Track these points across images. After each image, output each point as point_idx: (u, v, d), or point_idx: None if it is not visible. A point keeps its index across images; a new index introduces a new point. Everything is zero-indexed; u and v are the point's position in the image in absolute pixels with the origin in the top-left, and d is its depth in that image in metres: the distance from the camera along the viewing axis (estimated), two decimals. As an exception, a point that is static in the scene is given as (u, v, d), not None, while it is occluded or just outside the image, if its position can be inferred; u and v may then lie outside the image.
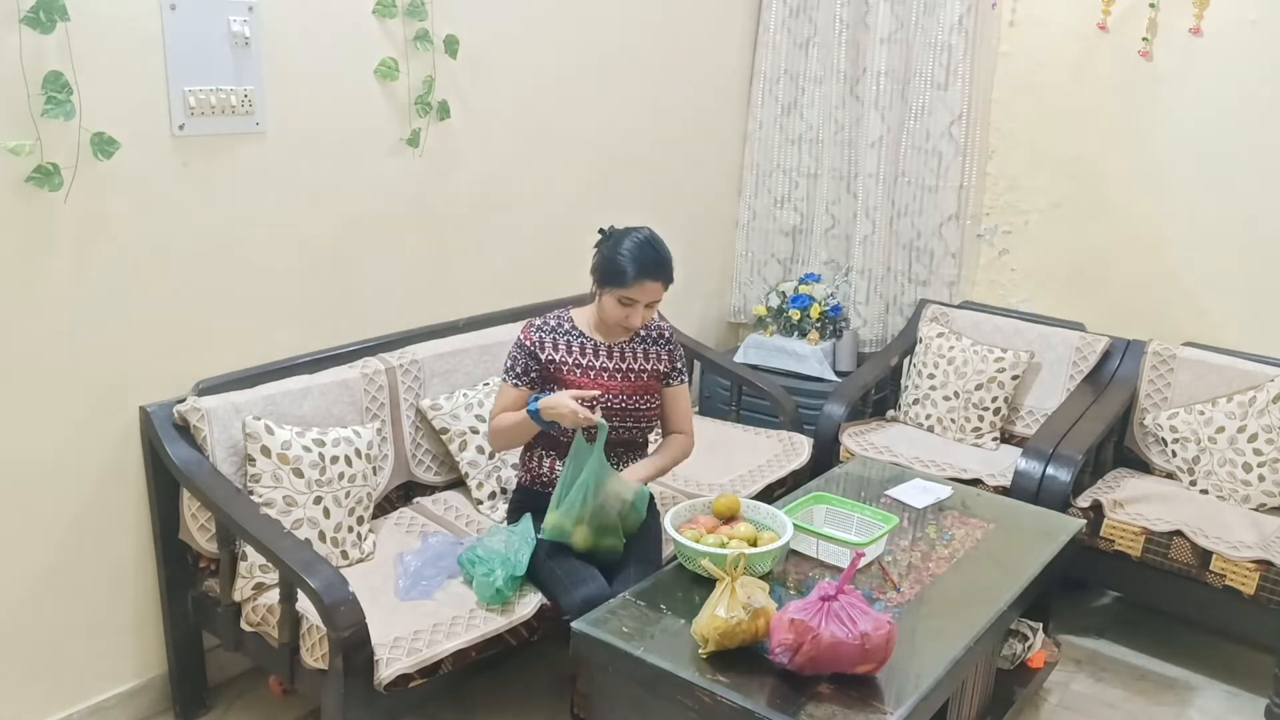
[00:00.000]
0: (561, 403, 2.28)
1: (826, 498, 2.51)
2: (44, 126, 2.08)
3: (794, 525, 2.29)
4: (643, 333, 2.55)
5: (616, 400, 2.46)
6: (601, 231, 2.46)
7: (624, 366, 2.50)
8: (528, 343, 2.47)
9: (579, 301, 2.73)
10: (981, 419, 3.42)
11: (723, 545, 2.16)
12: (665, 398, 2.60)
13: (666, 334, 2.60)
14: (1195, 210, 3.36)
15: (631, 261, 2.36)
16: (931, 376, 3.53)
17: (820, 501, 2.50)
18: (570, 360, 2.46)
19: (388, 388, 2.74)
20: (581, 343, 2.48)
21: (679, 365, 2.61)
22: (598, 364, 2.47)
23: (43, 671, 2.35)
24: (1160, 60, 3.35)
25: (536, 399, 2.34)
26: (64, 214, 2.18)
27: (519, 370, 2.46)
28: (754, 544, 2.20)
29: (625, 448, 2.53)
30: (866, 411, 3.64)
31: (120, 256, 2.30)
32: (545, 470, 2.53)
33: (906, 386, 3.67)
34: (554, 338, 2.47)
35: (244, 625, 2.34)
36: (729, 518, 2.32)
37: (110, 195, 2.25)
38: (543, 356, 2.45)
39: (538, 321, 2.51)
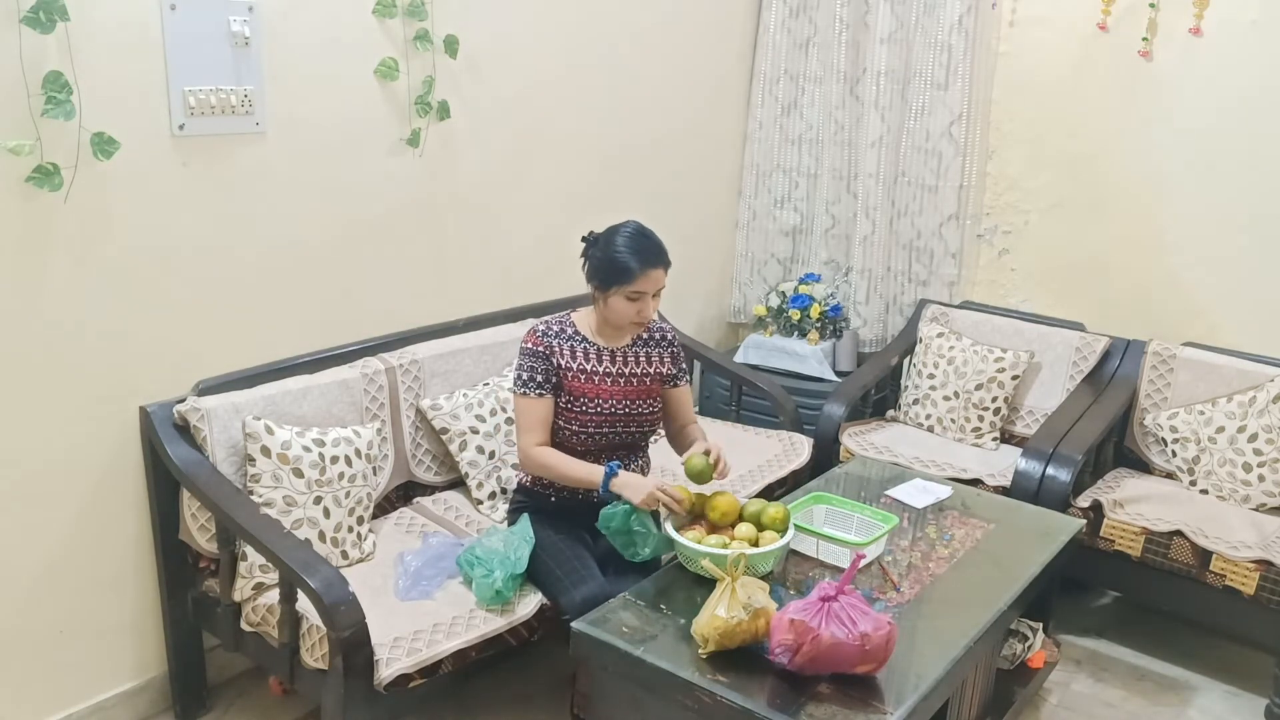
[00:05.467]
0: (641, 484, 2.27)
1: (826, 498, 2.51)
2: (44, 126, 2.08)
3: (794, 525, 2.29)
4: (644, 335, 2.54)
5: (619, 405, 2.46)
6: (585, 239, 2.45)
7: (626, 371, 2.49)
8: (540, 348, 2.43)
9: (578, 302, 2.73)
10: (981, 419, 3.42)
11: (724, 546, 2.16)
12: (672, 398, 2.59)
13: (669, 335, 2.60)
14: (1195, 210, 3.36)
15: (632, 255, 2.35)
16: (931, 376, 3.53)
17: (820, 501, 2.50)
18: (575, 366, 2.44)
19: (388, 388, 2.74)
20: (585, 348, 2.47)
21: (682, 365, 2.60)
22: (600, 369, 2.46)
23: (43, 671, 2.35)
24: (1160, 60, 3.35)
25: (613, 469, 2.32)
26: (64, 214, 2.18)
27: (538, 379, 2.41)
28: (754, 544, 2.20)
29: (626, 450, 2.52)
30: (866, 411, 3.64)
31: (120, 256, 2.30)
32: (545, 470, 2.52)
33: (906, 386, 3.67)
34: (559, 342, 2.45)
35: (244, 625, 2.34)
36: (731, 522, 2.30)
37: (110, 195, 2.25)
38: (553, 361, 2.43)
39: (541, 326, 2.48)
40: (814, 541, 2.34)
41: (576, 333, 2.48)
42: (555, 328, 2.48)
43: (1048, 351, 3.49)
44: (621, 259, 2.35)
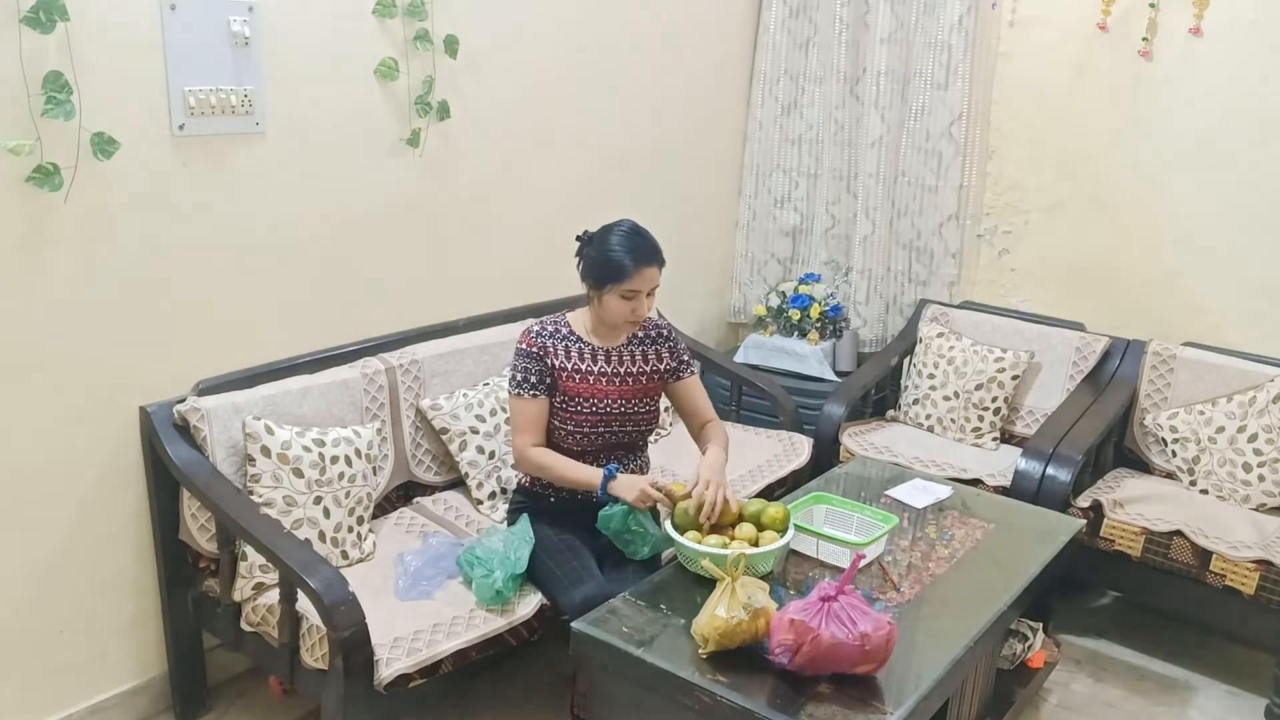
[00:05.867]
0: (636, 484, 2.28)
1: (826, 498, 2.51)
2: (44, 126, 2.08)
3: (794, 525, 2.29)
4: (640, 334, 2.54)
5: (615, 405, 2.46)
6: (580, 238, 2.45)
7: (622, 370, 2.49)
8: (534, 349, 2.43)
9: (578, 302, 2.71)
10: (981, 419, 3.42)
11: (724, 546, 2.16)
12: (681, 391, 2.57)
13: (665, 331, 2.59)
14: (1195, 210, 3.36)
15: (626, 253, 2.35)
16: (931, 376, 3.53)
17: (820, 501, 2.49)
18: (570, 366, 2.44)
19: (388, 388, 2.74)
20: (580, 348, 2.47)
21: (685, 358, 2.59)
22: (596, 369, 2.46)
23: (43, 671, 2.35)
24: (1160, 60, 3.35)
25: (611, 472, 2.31)
26: (64, 214, 2.18)
27: (533, 380, 2.41)
28: (754, 544, 2.19)
29: (624, 450, 2.52)
30: (866, 411, 3.64)
31: (120, 256, 2.30)
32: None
33: (906, 386, 3.67)
34: (554, 343, 2.45)
35: (244, 625, 2.34)
36: (731, 522, 2.30)
37: (110, 195, 2.25)
38: (548, 362, 2.43)
39: (535, 327, 2.48)
40: (814, 541, 2.33)
41: (571, 333, 2.48)
42: (550, 328, 2.47)
43: (1048, 351, 3.49)
44: (616, 257, 2.35)
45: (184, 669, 2.55)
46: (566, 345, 2.46)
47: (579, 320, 2.50)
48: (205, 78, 2.36)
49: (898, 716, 1.80)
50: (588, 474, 2.37)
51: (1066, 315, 3.60)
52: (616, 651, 1.97)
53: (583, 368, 2.45)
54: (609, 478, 2.32)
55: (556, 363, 2.43)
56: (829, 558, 2.32)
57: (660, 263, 2.40)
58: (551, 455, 2.41)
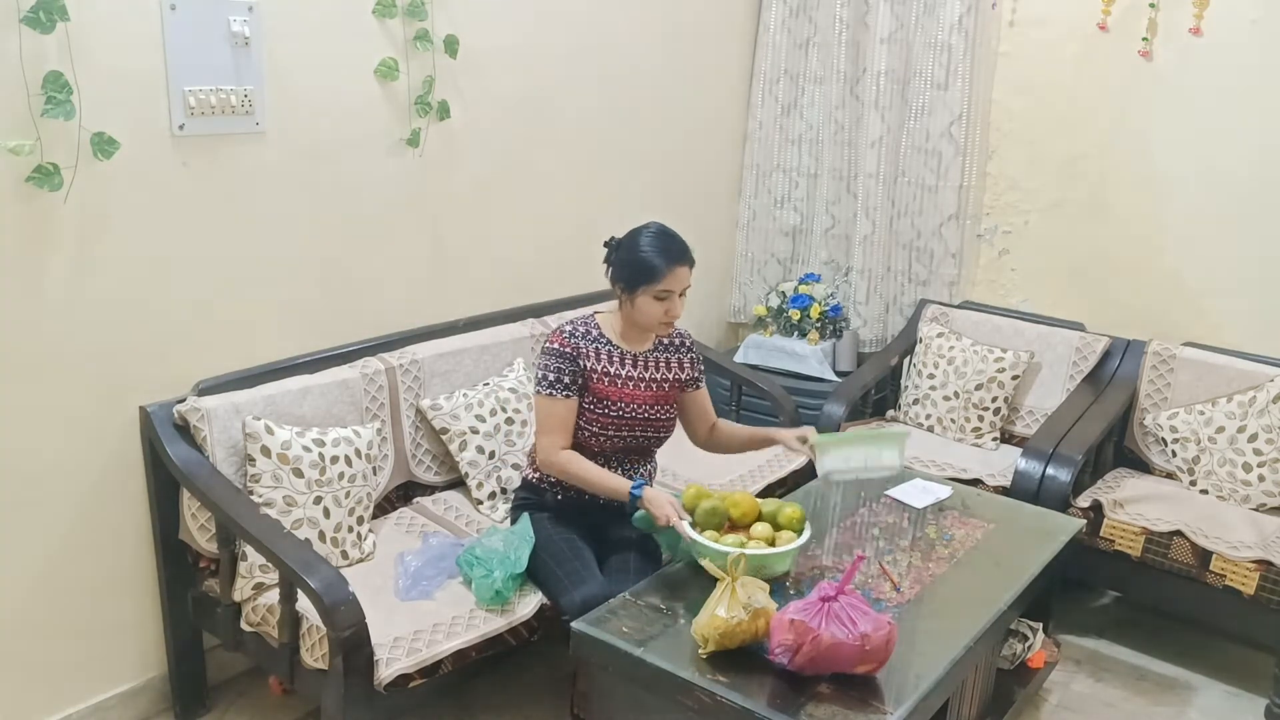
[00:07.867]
0: (665, 502, 2.25)
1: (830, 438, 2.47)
2: (44, 126, 2.08)
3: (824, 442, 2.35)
4: (665, 340, 2.53)
5: (641, 410, 2.45)
6: (607, 244, 2.44)
7: (648, 376, 2.49)
8: (567, 349, 2.40)
9: (579, 302, 2.71)
10: (981, 419, 3.42)
11: (741, 545, 2.14)
12: (693, 400, 2.59)
13: (688, 341, 2.60)
14: (1195, 210, 3.36)
15: (659, 254, 2.34)
16: (931, 376, 3.53)
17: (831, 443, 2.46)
18: (599, 368, 2.43)
19: (388, 388, 2.74)
20: (610, 351, 2.45)
21: (700, 369, 2.61)
22: (624, 373, 2.45)
23: (43, 671, 2.35)
24: (1160, 60, 3.35)
25: (639, 486, 2.30)
26: (64, 214, 2.18)
27: (566, 380, 2.39)
28: (771, 544, 2.18)
29: (639, 455, 2.53)
30: (866, 411, 3.64)
31: (120, 256, 2.30)
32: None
33: (906, 386, 3.67)
34: (586, 344, 2.43)
35: (244, 625, 2.34)
36: (749, 522, 2.29)
37: (110, 195, 2.25)
38: (580, 363, 2.41)
39: (567, 328, 2.45)
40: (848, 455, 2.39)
41: (601, 335, 2.46)
42: (581, 329, 2.46)
43: (1048, 351, 3.49)
44: (647, 258, 2.34)
45: (184, 669, 2.55)
46: (597, 347, 2.44)
47: (608, 323, 2.49)
48: (205, 78, 2.36)
49: (898, 716, 1.80)
50: (615, 482, 2.35)
51: (1066, 315, 3.60)
52: (616, 651, 1.97)
53: (612, 371, 2.44)
54: (638, 495, 2.29)
55: (589, 364, 2.42)
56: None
57: (691, 262, 2.39)
58: (579, 461, 2.39)
